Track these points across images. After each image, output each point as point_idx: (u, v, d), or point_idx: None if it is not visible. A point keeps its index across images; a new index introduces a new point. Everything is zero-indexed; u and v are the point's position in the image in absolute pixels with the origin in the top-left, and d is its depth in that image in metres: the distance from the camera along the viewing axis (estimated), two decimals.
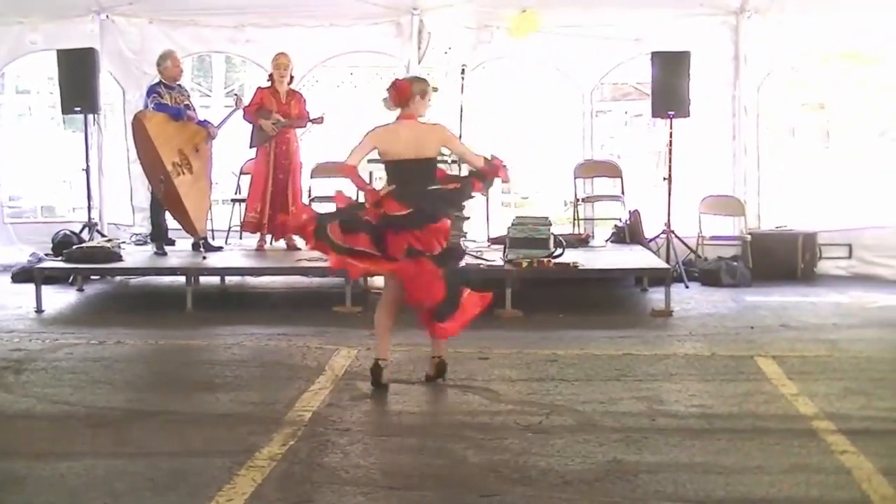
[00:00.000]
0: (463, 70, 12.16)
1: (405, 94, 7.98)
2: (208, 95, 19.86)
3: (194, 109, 12.61)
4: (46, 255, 13.15)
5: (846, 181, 14.01)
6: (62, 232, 13.56)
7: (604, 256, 12.40)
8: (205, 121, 12.51)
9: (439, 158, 8.39)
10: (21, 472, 6.02)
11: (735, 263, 12.91)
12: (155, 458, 6.29)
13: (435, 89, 12.61)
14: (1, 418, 7.31)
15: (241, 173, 13.87)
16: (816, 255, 13.44)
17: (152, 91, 12.25)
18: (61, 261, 12.21)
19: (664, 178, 12.94)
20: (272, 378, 8.36)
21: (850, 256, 13.58)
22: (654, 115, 13.21)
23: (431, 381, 8.06)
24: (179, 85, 12.58)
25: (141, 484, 5.62)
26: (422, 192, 7.79)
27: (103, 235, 13.35)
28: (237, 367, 8.74)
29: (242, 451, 6.25)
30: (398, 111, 8.08)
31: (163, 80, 12.33)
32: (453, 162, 12.25)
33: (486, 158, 8.14)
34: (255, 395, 7.70)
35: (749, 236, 13.32)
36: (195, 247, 12.38)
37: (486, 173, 8.14)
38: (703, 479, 5.94)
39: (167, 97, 12.17)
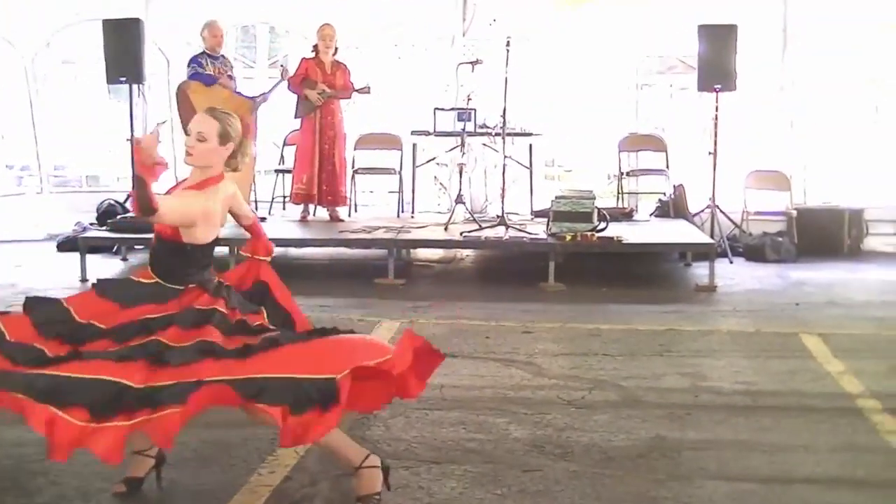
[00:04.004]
0: (508, 42, 12.08)
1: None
2: (251, 67, 19.86)
3: (235, 80, 12.64)
4: (91, 224, 13.21)
5: (894, 157, 13.85)
6: (107, 201, 13.62)
7: (648, 230, 12.33)
8: (255, 97, 12.49)
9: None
10: None
11: (780, 239, 12.82)
12: (198, 429, 6.22)
13: (479, 62, 12.70)
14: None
15: (284, 144, 13.89)
16: (863, 231, 13.35)
17: (194, 60, 12.32)
18: (106, 230, 12.28)
19: (709, 153, 12.83)
20: None
21: None
22: (701, 88, 13.07)
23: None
24: (223, 56, 12.61)
25: (185, 454, 5.63)
26: None
27: None
28: None
29: None
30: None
31: (205, 50, 12.39)
32: (497, 134, 12.23)
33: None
34: None
35: (795, 211, 13.21)
36: None
37: None
38: (748, 456, 5.91)
39: (209, 67, 12.23)
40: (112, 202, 13.53)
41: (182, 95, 12.04)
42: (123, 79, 13.23)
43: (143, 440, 5.21)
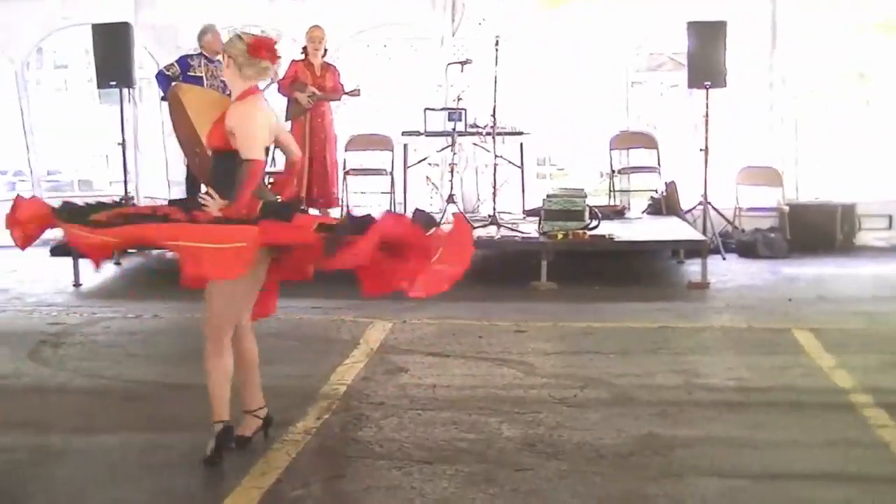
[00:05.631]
0: (497, 41, 12.08)
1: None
2: None
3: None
4: None
5: (886, 151, 13.87)
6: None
7: (640, 228, 12.32)
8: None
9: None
10: (59, 446, 6.06)
11: (772, 235, 12.84)
12: (190, 431, 6.29)
13: (469, 61, 12.70)
14: (39, 392, 7.36)
15: (275, 146, 13.86)
16: (855, 226, 13.35)
17: (182, 60, 12.31)
18: None
19: (700, 149, 12.84)
20: (307, 351, 8.37)
21: (889, 227, 13.49)
22: (691, 85, 13.09)
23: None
24: (219, 60, 12.59)
25: (176, 457, 5.64)
26: None
27: None
28: (272, 340, 8.65)
29: (277, 425, 6.25)
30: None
31: (204, 54, 12.37)
32: (487, 133, 12.24)
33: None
34: (289, 369, 7.71)
35: (787, 207, 13.22)
36: None
37: None
38: (740, 453, 5.92)
39: (201, 69, 12.22)
40: None
41: (173, 98, 11.98)
42: (114, 83, 13.22)
43: (254, 400, 6.02)
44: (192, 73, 12.20)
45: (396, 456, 5.85)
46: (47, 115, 15.84)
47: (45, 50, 16.68)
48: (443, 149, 13.01)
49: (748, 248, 12.73)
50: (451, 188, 12.30)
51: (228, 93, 12.36)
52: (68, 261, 11.49)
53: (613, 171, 13.96)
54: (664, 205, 13.22)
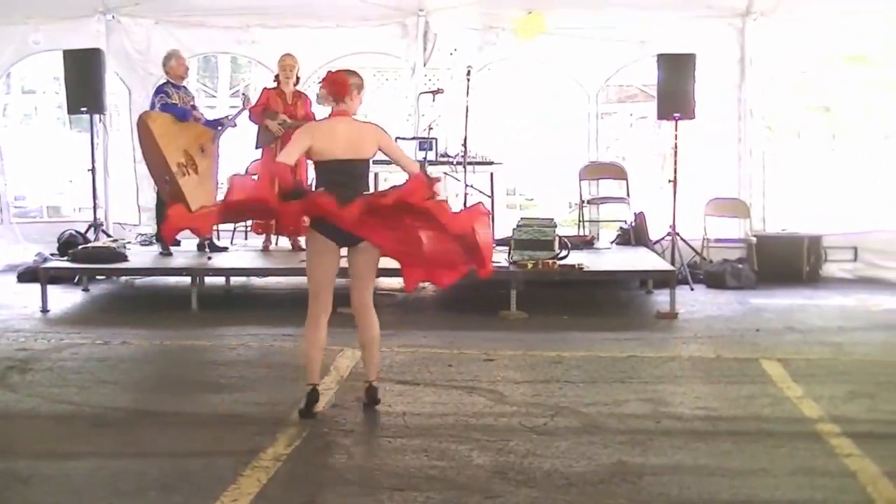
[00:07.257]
0: (468, 71, 12.16)
1: (343, 88, 7.23)
2: (213, 96, 19.89)
3: (199, 110, 12.63)
4: (52, 254, 13.16)
5: (852, 184, 13.98)
6: (68, 232, 13.58)
7: (609, 258, 12.39)
8: (215, 121, 12.52)
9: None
10: (26, 472, 6.02)
11: (740, 266, 12.90)
12: (160, 458, 6.30)
13: (440, 91, 12.76)
14: (5, 418, 7.32)
15: (246, 173, 13.86)
16: (822, 257, 13.43)
17: (160, 91, 12.29)
18: (67, 261, 12.23)
19: (669, 181, 12.94)
20: (277, 379, 8.36)
21: (855, 259, 13.57)
22: (660, 117, 13.21)
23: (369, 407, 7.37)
24: (185, 86, 12.59)
25: (146, 484, 5.62)
26: (355, 196, 7.19)
27: (109, 235, 13.38)
28: (242, 367, 8.75)
29: (247, 452, 6.25)
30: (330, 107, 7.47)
31: (170, 80, 12.36)
32: (458, 163, 12.29)
33: (421, 164, 7.70)
34: (259, 396, 7.71)
35: (754, 239, 13.31)
36: (200, 247, 12.42)
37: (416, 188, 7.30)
38: (708, 481, 5.94)
39: (175, 97, 12.21)
40: (73, 232, 13.49)
41: (142, 125, 11.99)
42: (84, 109, 13.22)
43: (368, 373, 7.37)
44: (172, 101, 12.20)
45: (367, 483, 5.85)
46: (15, 141, 15.80)
47: (13, 75, 16.66)
48: None
49: (716, 278, 12.79)
50: None
51: (206, 120, 12.47)
52: (35, 286, 11.46)
53: (583, 202, 14.01)
54: (633, 235, 13.27)
